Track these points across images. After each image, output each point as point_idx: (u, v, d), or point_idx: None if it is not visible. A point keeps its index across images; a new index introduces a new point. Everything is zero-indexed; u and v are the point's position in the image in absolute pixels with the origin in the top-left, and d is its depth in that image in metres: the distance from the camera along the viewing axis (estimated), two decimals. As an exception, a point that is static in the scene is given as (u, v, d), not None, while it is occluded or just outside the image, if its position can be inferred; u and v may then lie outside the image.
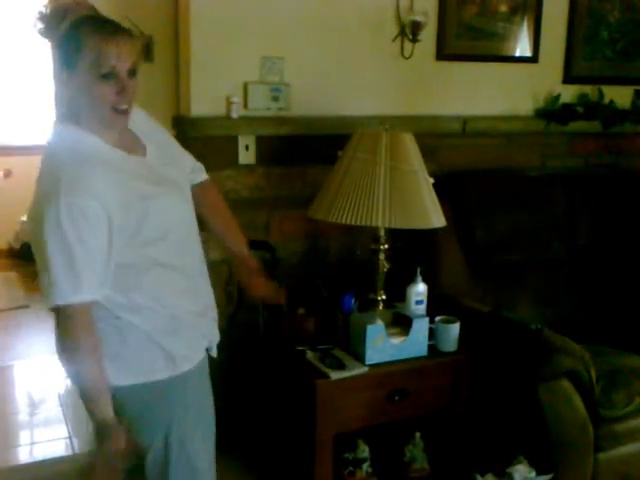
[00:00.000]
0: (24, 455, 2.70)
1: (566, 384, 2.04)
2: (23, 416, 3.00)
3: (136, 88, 1.38)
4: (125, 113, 1.38)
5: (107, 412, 1.36)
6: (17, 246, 5.14)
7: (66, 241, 1.28)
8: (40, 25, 1.34)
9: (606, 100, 2.92)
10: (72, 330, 1.33)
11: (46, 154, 1.38)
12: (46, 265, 1.30)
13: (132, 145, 1.46)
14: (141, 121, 1.52)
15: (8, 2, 4.93)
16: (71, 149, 1.35)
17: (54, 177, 1.31)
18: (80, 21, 1.32)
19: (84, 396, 1.37)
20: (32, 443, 2.80)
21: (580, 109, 2.87)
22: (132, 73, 1.36)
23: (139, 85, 1.39)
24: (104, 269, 1.34)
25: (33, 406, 3.06)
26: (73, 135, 1.37)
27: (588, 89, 2.94)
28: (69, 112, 1.40)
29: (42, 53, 4.69)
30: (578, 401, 2.04)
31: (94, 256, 1.32)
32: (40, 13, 1.34)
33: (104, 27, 1.33)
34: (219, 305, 2.40)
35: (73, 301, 1.31)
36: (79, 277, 1.30)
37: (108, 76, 1.32)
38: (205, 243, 2.34)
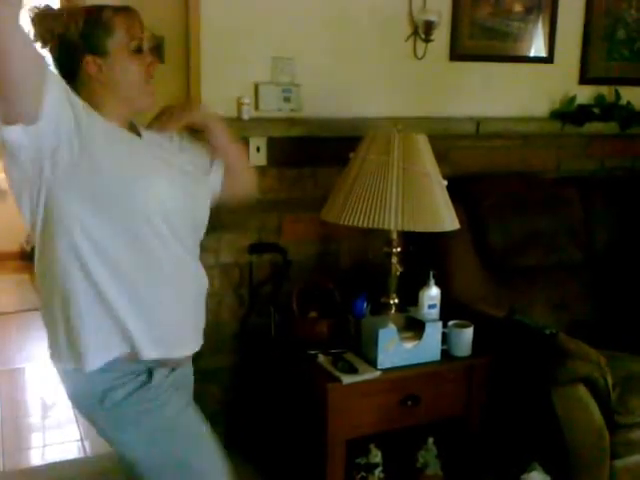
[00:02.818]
0: (36, 458, 2.72)
1: (582, 390, 2.02)
2: (35, 418, 3.02)
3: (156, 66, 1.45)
4: (154, 89, 1.43)
5: None
6: (29, 248, 5.19)
7: None
8: (40, 28, 1.37)
9: (623, 101, 2.90)
10: None
11: None
12: None
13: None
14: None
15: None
16: None
17: None
18: (90, 9, 1.38)
19: None
20: (44, 445, 2.82)
21: (596, 110, 2.85)
22: (152, 50, 1.45)
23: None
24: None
25: (45, 408, 3.09)
26: None
27: (605, 90, 2.91)
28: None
29: (50, 57, 4.73)
30: (594, 407, 2.03)
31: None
32: (37, 16, 1.38)
33: (116, 7, 1.39)
34: (231, 308, 2.45)
35: None
36: None
37: (138, 50, 1.39)
38: (217, 245, 2.38)
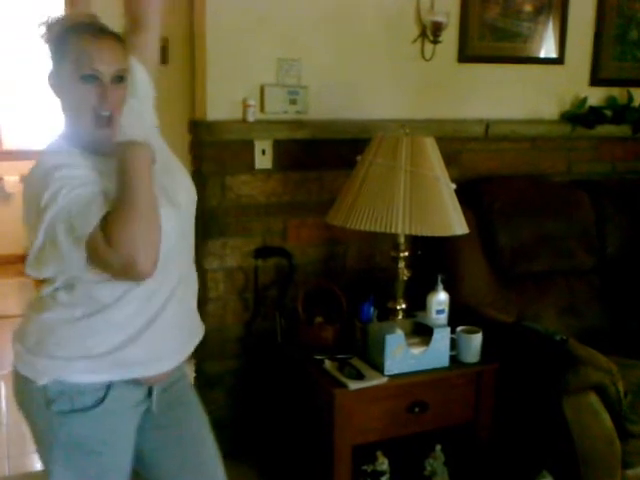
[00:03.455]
0: (40, 462, 2.73)
1: (592, 398, 2.01)
2: (37, 423, 3.03)
3: (122, 96, 1.28)
4: (108, 121, 1.31)
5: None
6: (33, 251, 5.20)
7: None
8: (41, 31, 1.37)
9: (635, 103, 2.88)
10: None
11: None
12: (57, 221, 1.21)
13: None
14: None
15: (26, 9, 5.02)
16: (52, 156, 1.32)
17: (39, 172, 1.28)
18: (71, 26, 1.34)
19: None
20: (47, 450, 2.83)
21: (608, 112, 2.83)
22: (118, 79, 1.32)
23: (124, 95, 1.28)
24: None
25: (48, 413, 3.10)
26: (57, 147, 1.35)
27: (616, 91, 2.90)
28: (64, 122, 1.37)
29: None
30: (605, 415, 2.01)
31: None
32: (42, 21, 1.36)
33: (88, 29, 1.33)
34: (235, 312, 2.45)
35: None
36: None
37: (88, 78, 1.30)
38: (222, 249, 2.38)
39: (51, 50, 1.35)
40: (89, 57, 1.30)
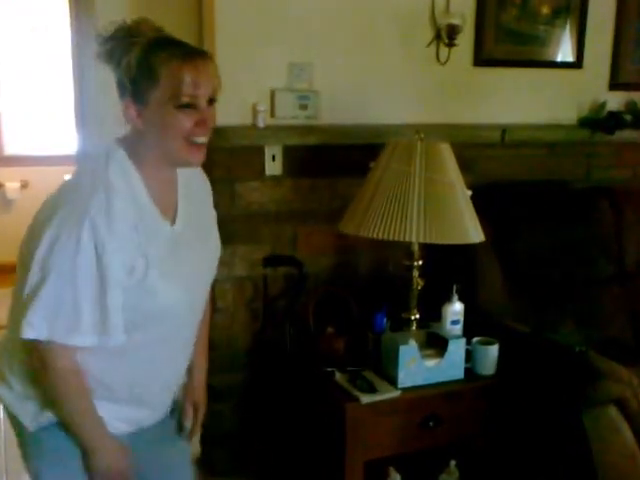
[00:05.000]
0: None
1: (613, 412, 2.01)
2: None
3: (214, 118, 1.31)
4: (202, 147, 1.32)
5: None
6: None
7: (87, 267, 1.21)
8: (101, 49, 1.28)
9: (656, 108, 2.90)
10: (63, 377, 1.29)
11: (79, 170, 1.38)
12: (45, 289, 1.21)
13: (166, 205, 1.38)
14: (197, 186, 1.50)
15: (29, 13, 5.09)
16: (109, 179, 1.27)
17: (80, 194, 1.26)
18: (150, 47, 1.25)
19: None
20: (47, 465, 2.84)
21: (628, 117, 2.85)
22: (211, 101, 1.30)
23: (216, 114, 1.33)
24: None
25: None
26: (119, 163, 1.30)
27: (637, 96, 2.91)
28: (127, 144, 1.33)
29: (60, 62, 4.81)
30: (626, 430, 2.01)
31: (117, 292, 1.25)
32: (100, 37, 1.28)
33: (179, 50, 1.26)
34: (244, 323, 2.46)
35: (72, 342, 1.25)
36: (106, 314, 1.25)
37: (187, 106, 1.26)
38: (230, 257, 2.40)
39: (131, 81, 1.26)
40: (186, 84, 1.24)
